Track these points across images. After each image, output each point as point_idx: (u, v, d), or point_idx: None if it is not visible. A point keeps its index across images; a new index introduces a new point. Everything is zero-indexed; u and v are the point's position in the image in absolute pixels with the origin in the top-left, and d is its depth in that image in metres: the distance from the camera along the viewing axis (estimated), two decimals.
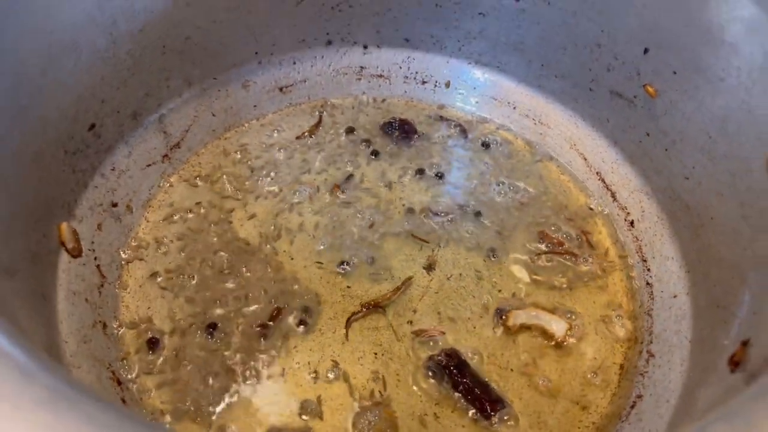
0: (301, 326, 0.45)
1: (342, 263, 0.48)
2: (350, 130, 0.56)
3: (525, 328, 0.45)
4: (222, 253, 0.48)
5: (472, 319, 0.46)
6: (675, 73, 0.46)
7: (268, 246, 0.49)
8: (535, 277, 0.48)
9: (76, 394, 0.22)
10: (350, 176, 0.53)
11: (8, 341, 0.24)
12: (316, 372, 0.43)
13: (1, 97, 0.38)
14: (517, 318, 0.45)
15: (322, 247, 0.49)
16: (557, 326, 0.45)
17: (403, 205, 0.52)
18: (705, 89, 0.44)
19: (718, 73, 0.43)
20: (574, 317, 0.46)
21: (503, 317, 0.45)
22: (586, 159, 0.54)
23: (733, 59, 0.41)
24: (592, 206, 0.52)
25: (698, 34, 0.44)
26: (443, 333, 0.45)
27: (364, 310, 0.46)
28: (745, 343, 0.35)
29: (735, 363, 0.34)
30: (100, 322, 0.44)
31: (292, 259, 0.48)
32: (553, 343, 0.45)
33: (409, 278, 0.47)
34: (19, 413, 0.21)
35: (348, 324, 0.45)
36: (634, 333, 0.46)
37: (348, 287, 0.47)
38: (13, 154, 0.39)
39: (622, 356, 0.45)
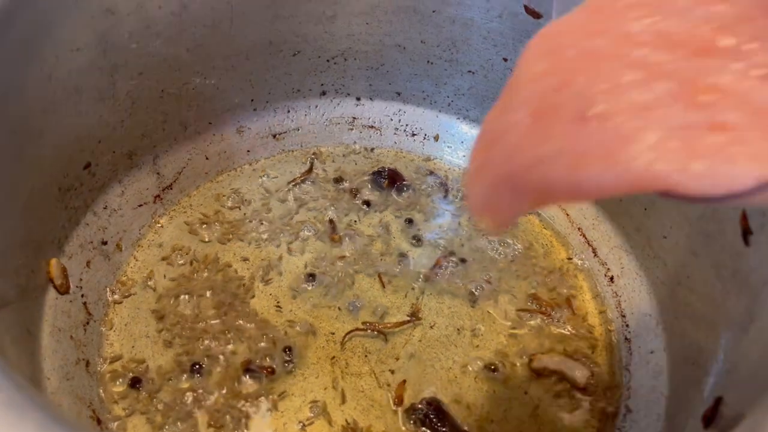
0: (286, 366, 0.46)
1: (330, 307, 0.49)
2: (339, 180, 0.57)
3: (549, 372, 0.46)
4: (209, 294, 0.49)
5: (453, 369, 0.47)
6: None
7: (258, 289, 0.50)
8: (514, 331, 0.49)
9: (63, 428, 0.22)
10: (338, 222, 0.54)
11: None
12: (298, 417, 0.43)
13: (1, 136, 0.39)
14: (542, 362, 0.46)
15: (310, 288, 0.50)
16: (580, 373, 0.46)
17: (391, 253, 0.53)
18: None
19: None
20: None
21: (528, 359, 0.46)
22: (568, 215, 0.56)
23: None
24: (573, 259, 0.54)
25: None
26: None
27: (366, 329, 0.47)
28: (718, 400, 0.36)
29: (708, 419, 0.35)
30: (83, 359, 0.44)
31: (278, 304, 0.49)
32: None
33: (415, 313, 0.48)
34: None
35: (344, 338, 0.46)
36: (614, 388, 0.47)
37: (332, 333, 0.48)
38: (7, 190, 0.40)
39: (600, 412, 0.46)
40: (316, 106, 0.61)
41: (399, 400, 0.45)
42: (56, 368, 0.41)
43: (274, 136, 0.60)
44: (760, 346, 0.35)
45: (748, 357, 0.36)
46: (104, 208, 0.51)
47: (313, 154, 0.60)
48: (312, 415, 0.44)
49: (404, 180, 0.58)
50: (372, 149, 0.61)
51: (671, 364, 0.45)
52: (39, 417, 0.22)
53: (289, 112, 0.60)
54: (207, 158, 0.57)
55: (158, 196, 0.54)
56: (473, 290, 0.51)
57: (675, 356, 0.45)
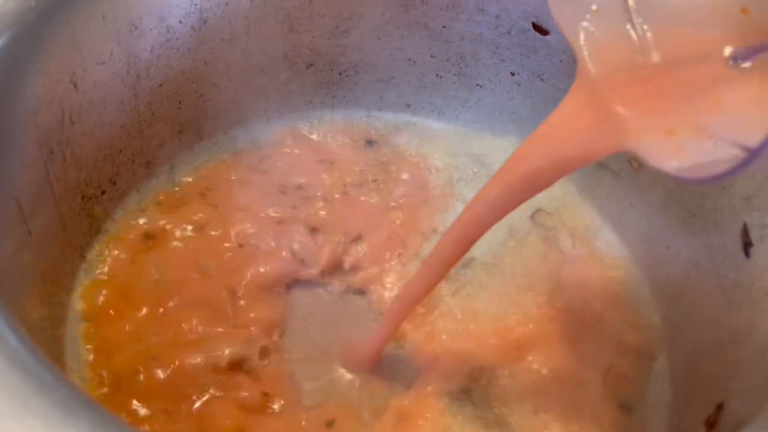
0: None
1: None
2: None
3: None
4: None
5: None
6: None
7: None
8: None
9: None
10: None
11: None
12: None
13: (33, 146, 0.40)
14: None
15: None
16: None
17: None
18: None
19: None
20: None
21: None
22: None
23: None
24: None
25: None
26: None
27: None
28: (719, 406, 0.37)
29: (710, 425, 0.37)
30: None
31: None
32: None
33: None
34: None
35: None
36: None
37: None
38: (36, 200, 0.42)
39: None
40: (328, 117, 0.62)
41: None
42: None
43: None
44: (760, 355, 0.36)
45: (750, 365, 0.37)
46: (123, 216, 0.52)
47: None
48: None
49: None
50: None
51: (673, 371, 0.47)
52: (92, 416, 0.24)
53: (301, 122, 0.62)
54: (222, 166, 0.59)
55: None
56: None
57: (677, 364, 0.47)
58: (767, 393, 0.33)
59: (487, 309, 0.50)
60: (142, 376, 0.44)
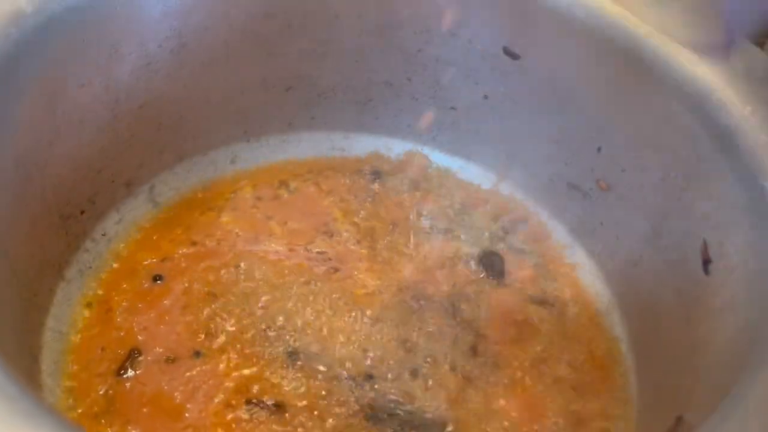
0: None
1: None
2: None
3: None
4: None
5: None
6: (623, 171, 0.52)
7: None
8: None
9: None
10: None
11: None
12: None
13: (9, 168, 0.41)
14: None
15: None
16: None
17: None
18: (648, 187, 0.49)
19: (658, 173, 0.48)
20: None
21: None
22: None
23: (671, 162, 0.46)
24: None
25: (642, 138, 0.49)
26: None
27: None
28: (678, 419, 0.38)
29: None
30: None
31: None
32: None
33: None
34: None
35: None
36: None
37: None
38: (12, 219, 0.42)
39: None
40: (307, 138, 0.64)
41: None
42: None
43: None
44: (715, 369, 0.38)
45: (706, 378, 0.38)
46: (102, 235, 0.53)
47: None
48: None
49: None
50: None
51: (640, 388, 0.48)
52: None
53: (281, 144, 0.63)
54: (202, 188, 0.60)
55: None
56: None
57: (644, 380, 0.48)
58: (717, 405, 0.34)
59: None
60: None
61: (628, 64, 0.49)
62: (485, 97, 0.60)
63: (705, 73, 0.45)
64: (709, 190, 0.43)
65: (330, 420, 0.46)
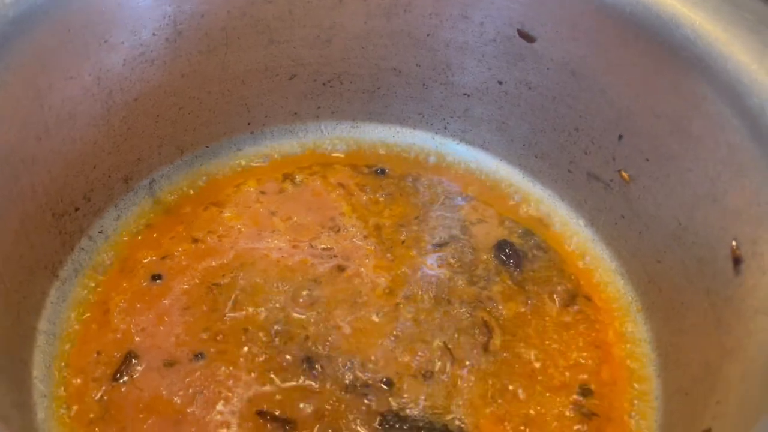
0: None
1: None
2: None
3: None
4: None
5: None
6: (647, 160, 0.48)
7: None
8: None
9: None
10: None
11: None
12: None
13: None
14: None
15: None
16: None
17: None
18: (674, 177, 0.45)
19: (685, 164, 0.44)
20: None
21: None
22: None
23: (699, 151, 0.43)
24: None
25: (667, 125, 0.46)
26: None
27: None
28: None
29: None
30: None
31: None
32: None
33: None
34: None
35: None
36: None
37: None
38: (0, 218, 0.41)
39: None
40: (313, 129, 0.61)
41: None
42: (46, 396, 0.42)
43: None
44: (748, 377, 0.34)
45: (738, 388, 0.35)
46: (100, 233, 0.51)
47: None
48: None
49: None
50: None
51: (665, 392, 0.45)
52: None
53: (286, 135, 0.61)
54: (204, 182, 0.58)
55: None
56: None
57: (669, 384, 0.45)
58: (751, 419, 0.31)
59: None
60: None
61: (653, 45, 0.46)
62: (499, 82, 0.57)
63: (736, 53, 0.41)
64: (740, 182, 0.40)
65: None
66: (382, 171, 0.60)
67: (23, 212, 0.43)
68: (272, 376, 0.46)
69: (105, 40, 0.46)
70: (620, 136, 0.50)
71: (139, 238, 0.53)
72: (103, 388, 0.45)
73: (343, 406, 0.45)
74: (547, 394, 0.47)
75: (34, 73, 0.41)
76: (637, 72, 0.48)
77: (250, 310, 0.49)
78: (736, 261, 0.39)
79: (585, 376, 0.48)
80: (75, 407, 0.44)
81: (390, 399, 0.46)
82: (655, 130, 0.47)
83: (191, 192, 0.57)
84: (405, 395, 0.46)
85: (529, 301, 0.52)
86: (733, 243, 0.39)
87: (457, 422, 0.45)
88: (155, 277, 0.51)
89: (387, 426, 0.44)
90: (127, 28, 0.47)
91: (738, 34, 0.42)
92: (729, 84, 0.41)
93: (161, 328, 0.48)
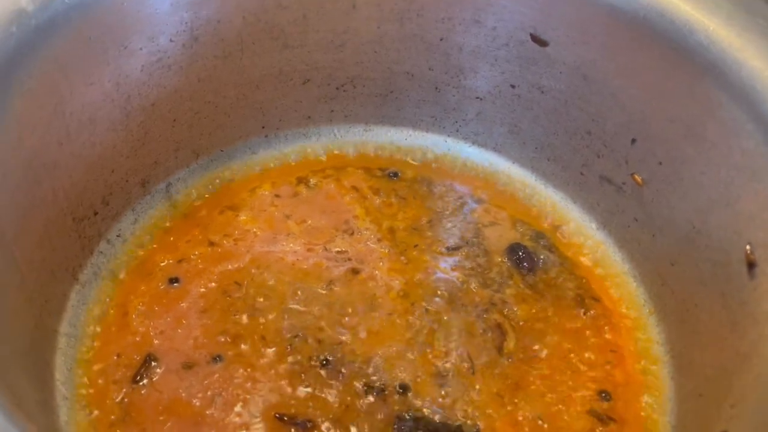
0: None
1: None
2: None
3: None
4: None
5: None
6: (660, 163, 0.48)
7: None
8: None
9: None
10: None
11: None
12: None
13: (18, 170, 0.40)
14: None
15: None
16: None
17: None
18: (687, 181, 0.46)
19: (699, 168, 0.45)
20: None
21: None
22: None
23: (713, 155, 0.43)
24: None
25: (681, 130, 0.46)
26: None
27: None
28: None
29: None
30: None
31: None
32: None
33: None
34: None
35: None
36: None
37: None
38: (22, 222, 0.41)
39: None
40: (327, 133, 0.62)
41: None
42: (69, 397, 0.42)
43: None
44: (763, 383, 0.35)
45: (752, 393, 0.35)
46: (118, 236, 0.52)
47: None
48: None
49: None
50: None
51: (679, 394, 0.45)
52: None
53: (300, 138, 0.61)
54: (220, 186, 0.58)
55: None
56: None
57: (683, 387, 0.45)
58: (767, 423, 0.31)
59: None
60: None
61: (666, 50, 0.46)
62: (512, 86, 0.57)
63: (750, 59, 0.42)
64: (754, 187, 0.40)
65: None
66: (395, 174, 0.60)
67: (46, 216, 0.43)
68: (289, 378, 0.47)
69: (124, 46, 0.46)
70: (633, 140, 0.50)
71: (156, 241, 0.54)
72: (124, 390, 0.45)
73: (359, 408, 0.46)
74: (562, 396, 0.47)
75: (56, 79, 0.42)
76: (650, 76, 0.48)
77: (266, 312, 0.50)
78: (751, 265, 0.39)
79: (599, 378, 0.49)
80: (96, 410, 0.44)
81: (405, 401, 0.46)
82: (668, 134, 0.47)
83: (207, 195, 0.57)
84: (420, 397, 0.46)
85: (542, 304, 0.52)
86: (747, 247, 0.40)
87: (471, 424, 0.45)
88: (173, 281, 0.51)
89: (403, 428, 0.45)
90: (145, 34, 0.47)
91: (752, 40, 0.42)
92: (743, 90, 0.42)
93: (179, 330, 0.49)
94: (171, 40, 0.49)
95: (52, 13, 0.40)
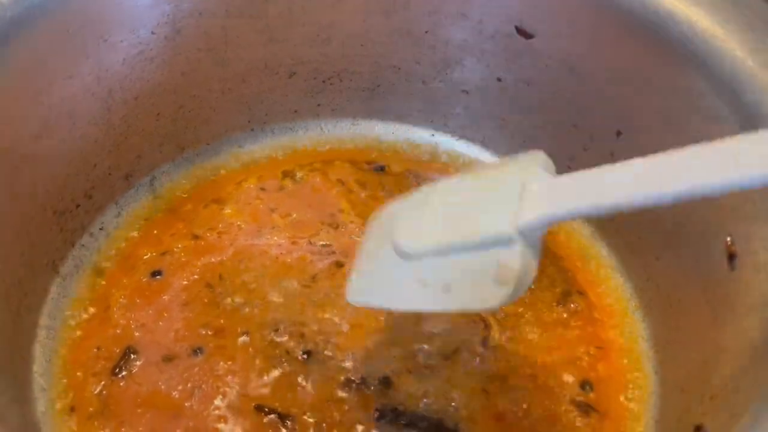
0: None
1: None
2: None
3: None
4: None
5: None
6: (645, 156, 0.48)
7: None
8: None
9: None
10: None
11: None
12: None
13: None
14: None
15: None
16: None
17: None
18: None
19: None
20: None
21: None
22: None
23: None
24: None
25: (664, 121, 0.46)
26: None
27: None
28: (698, 428, 0.35)
29: None
30: None
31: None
32: None
33: None
34: None
35: None
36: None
37: None
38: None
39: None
40: (313, 127, 0.61)
41: None
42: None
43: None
44: (739, 376, 0.34)
45: (728, 386, 0.35)
46: (100, 229, 0.52)
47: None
48: None
49: None
50: None
51: (662, 388, 0.45)
52: None
53: (286, 132, 0.61)
54: (205, 179, 0.58)
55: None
56: None
57: (666, 381, 0.45)
58: (739, 414, 0.31)
59: None
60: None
61: (651, 41, 0.46)
62: (498, 79, 0.57)
63: (732, 50, 0.41)
64: None
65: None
66: (382, 168, 0.60)
67: (23, 210, 0.43)
68: (270, 370, 0.46)
69: (104, 39, 0.46)
70: (618, 133, 0.50)
71: (140, 234, 0.54)
72: (102, 382, 0.45)
73: (341, 400, 0.46)
74: (545, 390, 0.47)
75: (33, 72, 0.42)
76: (634, 68, 0.47)
77: (249, 305, 0.50)
78: (731, 257, 0.39)
79: (583, 372, 0.48)
80: (74, 402, 0.44)
81: (387, 394, 0.46)
82: (652, 126, 0.47)
83: (192, 189, 0.57)
84: (402, 390, 0.46)
85: (527, 298, 0.52)
86: (728, 239, 0.39)
87: (453, 416, 0.45)
88: (155, 273, 0.51)
89: (385, 420, 0.45)
90: (126, 26, 0.47)
91: (735, 31, 0.42)
92: (725, 80, 0.41)
93: (160, 323, 0.49)
94: (153, 33, 0.49)
95: (28, 5, 0.40)
